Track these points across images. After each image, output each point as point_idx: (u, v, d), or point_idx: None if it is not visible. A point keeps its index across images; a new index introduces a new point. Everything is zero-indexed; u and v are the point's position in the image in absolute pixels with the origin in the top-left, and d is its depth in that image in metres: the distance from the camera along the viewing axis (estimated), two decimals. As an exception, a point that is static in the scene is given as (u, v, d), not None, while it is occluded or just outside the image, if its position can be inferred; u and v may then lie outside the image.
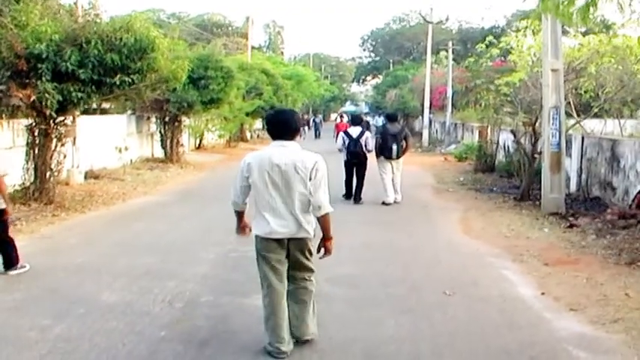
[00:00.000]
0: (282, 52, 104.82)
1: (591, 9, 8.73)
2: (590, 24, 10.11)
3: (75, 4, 21.59)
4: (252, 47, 63.89)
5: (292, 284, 7.32)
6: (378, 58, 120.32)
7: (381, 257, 11.92)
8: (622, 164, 16.64)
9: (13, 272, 10.00)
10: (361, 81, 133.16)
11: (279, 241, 7.04)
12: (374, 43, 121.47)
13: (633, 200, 15.58)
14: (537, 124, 19.00)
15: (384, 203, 18.64)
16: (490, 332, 7.88)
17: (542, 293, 9.58)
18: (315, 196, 6.90)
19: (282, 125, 7.11)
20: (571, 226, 14.78)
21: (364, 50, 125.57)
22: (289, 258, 7.17)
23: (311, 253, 7.29)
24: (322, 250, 7.27)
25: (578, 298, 9.28)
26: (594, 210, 16.60)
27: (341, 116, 45.23)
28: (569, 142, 19.20)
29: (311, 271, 7.39)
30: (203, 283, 9.85)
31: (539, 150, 18.51)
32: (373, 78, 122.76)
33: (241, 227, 7.54)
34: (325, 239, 7.21)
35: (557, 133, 16.77)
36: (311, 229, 7.11)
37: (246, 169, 7.02)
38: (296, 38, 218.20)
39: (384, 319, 8.30)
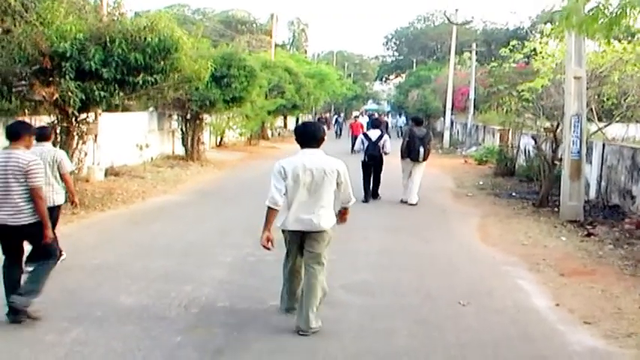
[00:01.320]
0: (305, 50, 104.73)
1: (614, 27, 8.76)
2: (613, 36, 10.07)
3: (100, 0, 21.72)
4: (276, 45, 63.92)
5: (304, 267, 8.36)
6: (401, 57, 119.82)
7: (397, 264, 11.92)
8: (642, 173, 16.61)
9: (29, 268, 9.97)
10: (384, 80, 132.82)
11: (300, 232, 8.19)
12: (398, 42, 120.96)
13: (652, 210, 15.56)
14: (559, 130, 18.94)
15: (402, 201, 19.41)
16: (503, 344, 7.92)
17: (557, 305, 9.59)
18: (345, 192, 8.39)
19: (310, 136, 8.33)
20: (589, 234, 14.76)
21: (388, 49, 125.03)
22: (307, 246, 8.26)
23: (326, 244, 8.31)
24: (338, 220, 8.54)
25: (592, 311, 9.30)
26: (613, 218, 16.59)
27: (356, 117, 45.32)
28: (589, 149, 19.13)
29: (320, 257, 8.27)
30: (219, 288, 9.90)
31: (559, 156, 18.46)
32: (396, 77, 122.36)
33: (266, 238, 8.06)
34: (344, 213, 8.69)
35: (578, 141, 16.74)
36: (327, 225, 8.22)
37: (283, 172, 8.03)
38: (320, 36, 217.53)
39: (398, 329, 8.34)
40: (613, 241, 14.00)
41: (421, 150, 19.16)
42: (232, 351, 7.45)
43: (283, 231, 8.34)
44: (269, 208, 8.01)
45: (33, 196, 8.10)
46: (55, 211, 10.23)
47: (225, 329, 8.08)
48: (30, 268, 9.25)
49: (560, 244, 14.02)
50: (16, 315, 8.05)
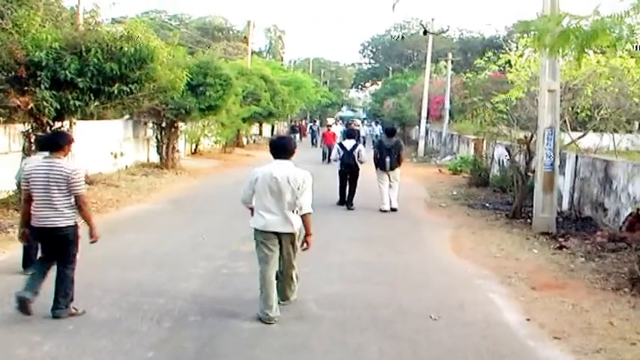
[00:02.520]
0: (282, 57, 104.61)
1: (586, 48, 8.90)
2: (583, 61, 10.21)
3: (76, 7, 21.70)
4: (253, 52, 63.85)
5: (281, 267, 9.54)
6: (377, 65, 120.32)
7: (370, 277, 11.93)
8: (614, 185, 16.73)
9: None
10: (360, 87, 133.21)
11: (271, 232, 9.21)
12: (374, 49, 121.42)
13: (624, 223, 15.64)
14: (532, 142, 19.05)
15: (380, 210, 19.83)
16: (473, 360, 7.98)
17: (528, 319, 9.65)
18: (299, 199, 9.14)
19: (282, 148, 9.49)
20: (561, 247, 14.82)
21: (364, 56, 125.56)
22: (280, 247, 9.36)
23: (296, 248, 9.50)
24: (304, 244, 9.43)
25: (562, 326, 9.35)
26: (585, 230, 16.67)
27: (329, 126, 45.84)
28: (563, 161, 19.26)
29: (294, 256, 9.55)
30: (192, 301, 9.88)
31: (532, 168, 18.55)
32: (372, 84, 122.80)
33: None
34: (306, 235, 9.38)
35: (552, 154, 16.83)
36: (296, 226, 9.30)
37: (254, 179, 9.30)
38: (297, 43, 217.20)
39: (369, 344, 8.35)
40: (584, 254, 14.07)
41: (387, 160, 20.04)
42: (204, 367, 7.45)
43: (256, 231, 9.31)
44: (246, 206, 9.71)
45: (78, 202, 8.96)
46: None
47: (197, 344, 8.08)
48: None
49: (532, 257, 14.11)
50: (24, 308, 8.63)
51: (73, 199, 8.93)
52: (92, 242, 9.26)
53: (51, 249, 9.18)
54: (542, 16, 9.90)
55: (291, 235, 9.37)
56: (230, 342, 8.21)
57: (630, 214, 15.46)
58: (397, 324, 9.23)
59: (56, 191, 8.75)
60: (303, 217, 9.28)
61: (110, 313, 9.18)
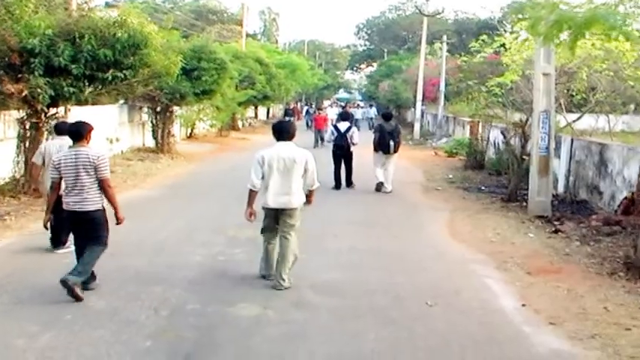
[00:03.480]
0: (276, 40, 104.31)
1: (579, 37, 8.92)
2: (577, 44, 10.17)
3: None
4: (247, 35, 63.69)
5: (279, 237, 10.21)
6: (372, 47, 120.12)
7: (366, 262, 11.95)
8: (610, 169, 16.79)
9: (60, 251, 11.14)
10: (355, 69, 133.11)
11: (275, 209, 10.02)
12: (369, 31, 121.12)
13: (619, 206, 15.71)
14: (527, 125, 19.07)
15: (376, 186, 20.54)
16: (469, 347, 8.00)
17: (523, 305, 9.68)
18: (310, 177, 10.16)
19: (284, 131, 10.22)
20: (556, 231, 14.85)
21: (359, 38, 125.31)
22: (282, 220, 10.10)
23: (296, 220, 10.17)
24: (305, 202, 10.32)
25: (558, 311, 9.39)
26: (580, 213, 16.74)
27: (319, 109, 45.73)
28: (558, 144, 19.27)
29: (292, 227, 10.15)
30: (190, 289, 9.87)
31: (528, 151, 18.56)
32: (367, 66, 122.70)
33: (249, 213, 10.15)
34: (309, 196, 10.39)
35: (547, 137, 16.85)
36: (298, 203, 10.09)
37: (262, 160, 9.90)
38: (291, 25, 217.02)
39: (366, 331, 8.37)
40: (580, 238, 14.12)
41: (391, 143, 20.33)
42: (201, 356, 7.49)
43: (264, 208, 10.11)
44: (250, 190, 10.00)
45: (104, 185, 9.50)
46: None
47: (195, 333, 8.09)
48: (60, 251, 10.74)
49: (528, 241, 14.14)
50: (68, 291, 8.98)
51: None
52: (118, 224, 9.84)
53: (83, 232, 9.67)
54: (535, 3, 9.86)
55: (295, 209, 10.11)
56: (228, 331, 8.22)
57: (625, 198, 15.54)
58: (394, 310, 9.26)
59: (85, 177, 9.34)
60: (311, 191, 10.36)
61: (108, 302, 9.18)
